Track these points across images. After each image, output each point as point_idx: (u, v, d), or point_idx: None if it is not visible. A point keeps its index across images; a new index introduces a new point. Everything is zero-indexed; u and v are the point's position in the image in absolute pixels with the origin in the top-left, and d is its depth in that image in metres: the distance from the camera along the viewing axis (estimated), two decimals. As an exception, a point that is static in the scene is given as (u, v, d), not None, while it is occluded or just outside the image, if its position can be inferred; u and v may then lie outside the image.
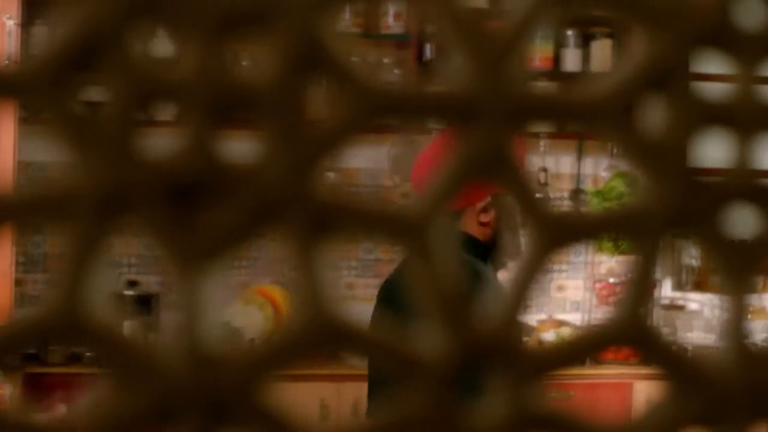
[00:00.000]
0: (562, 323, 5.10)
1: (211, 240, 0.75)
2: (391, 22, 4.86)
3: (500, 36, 0.76)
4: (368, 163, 5.21)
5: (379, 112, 0.75)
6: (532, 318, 5.25)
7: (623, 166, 5.07)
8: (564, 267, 5.33)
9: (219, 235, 0.75)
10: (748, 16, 0.80)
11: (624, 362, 4.90)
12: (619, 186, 4.77)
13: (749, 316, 0.82)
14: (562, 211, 0.77)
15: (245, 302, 4.84)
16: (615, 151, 5.18)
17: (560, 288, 5.33)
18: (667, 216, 0.78)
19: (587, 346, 0.81)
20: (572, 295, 5.30)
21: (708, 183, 0.79)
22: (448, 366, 0.76)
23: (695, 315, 5.16)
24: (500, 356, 0.77)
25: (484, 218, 3.06)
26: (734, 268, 0.80)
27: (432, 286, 0.77)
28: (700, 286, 5.40)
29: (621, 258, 5.20)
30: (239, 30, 0.75)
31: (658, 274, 5.23)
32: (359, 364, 4.69)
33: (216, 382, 0.74)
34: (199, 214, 0.75)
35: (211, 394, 0.74)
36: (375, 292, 4.04)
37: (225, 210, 0.75)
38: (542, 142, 5.00)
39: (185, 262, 0.74)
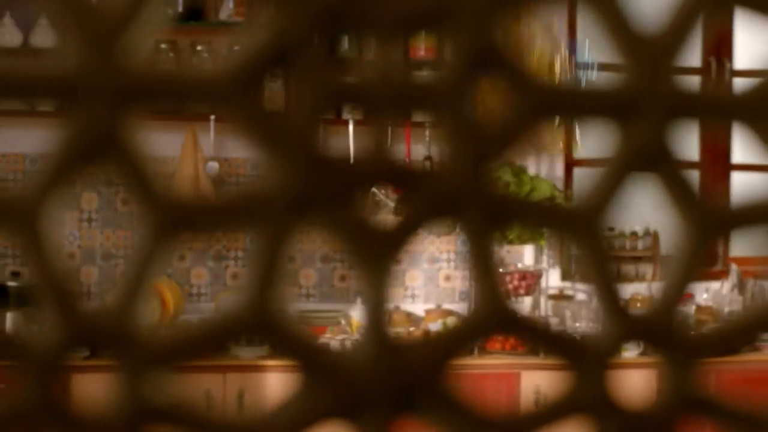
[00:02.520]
0: (449, 313, 5.08)
1: None
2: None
3: (108, 16, 0.73)
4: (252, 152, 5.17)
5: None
6: (419, 308, 5.23)
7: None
8: (452, 257, 5.31)
9: None
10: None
11: (511, 352, 4.88)
12: (505, 175, 4.75)
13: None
14: (179, 198, 0.74)
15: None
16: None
17: (448, 278, 5.31)
18: (291, 200, 0.75)
19: (215, 336, 0.78)
20: (460, 285, 5.28)
21: (337, 166, 0.76)
22: (56, 354, 0.73)
23: (583, 305, 5.16)
24: (118, 345, 0.74)
25: None
26: (371, 253, 0.77)
27: (42, 273, 0.73)
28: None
29: (509, 247, 5.20)
30: None
31: (544, 264, 5.23)
32: (245, 355, 4.66)
33: None
34: None
35: None
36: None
37: None
38: (427, 132, 4.97)
39: None
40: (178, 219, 0.74)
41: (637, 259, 5.49)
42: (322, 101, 0.75)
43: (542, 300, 5.18)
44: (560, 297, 5.19)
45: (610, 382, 0.80)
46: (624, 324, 0.81)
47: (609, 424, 0.80)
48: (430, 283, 5.31)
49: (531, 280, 5.07)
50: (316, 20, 0.75)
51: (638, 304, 5.26)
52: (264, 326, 0.76)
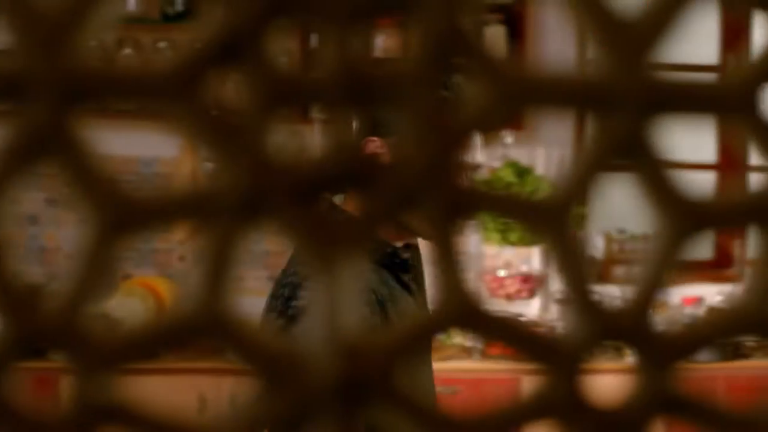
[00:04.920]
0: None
1: None
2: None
3: (54, 12, 0.70)
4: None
5: None
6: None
7: (515, 155, 5.03)
8: (457, 258, 5.27)
9: None
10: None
11: (513, 357, 4.82)
12: (508, 176, 4.72)
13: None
14: (124, 196, 0.71)
15: (126, 294, 4.77)
16: (508, 140, 5.14)
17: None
18: (239, 200, 0.72)
19: (167, 338, 0.75)
20: (465, 286, 5.23)
21: (290, 166, 0.73)
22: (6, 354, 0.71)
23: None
24: (69, 346, 0.72)
25: None
26: (326, 253, 0.74)
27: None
28: (602, 279, 5.37)
29: (515, 250, 5.17)
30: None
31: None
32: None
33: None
34: None
35: None
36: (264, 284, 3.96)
37: None
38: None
39: None
40: (123, 217, 0.71)
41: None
42: (273, 98, 0.72)
43: (551, 305, 5.15)
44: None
45: (582, 383, 0.77)
46: (596, 323, 0.78)
47: (580, 427, 0.77)
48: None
49: (533, 283, 5.03)
50: (264, 12, 0.72)
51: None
52: (216, 329, 0.73)
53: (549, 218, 0.76)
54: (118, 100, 0.72)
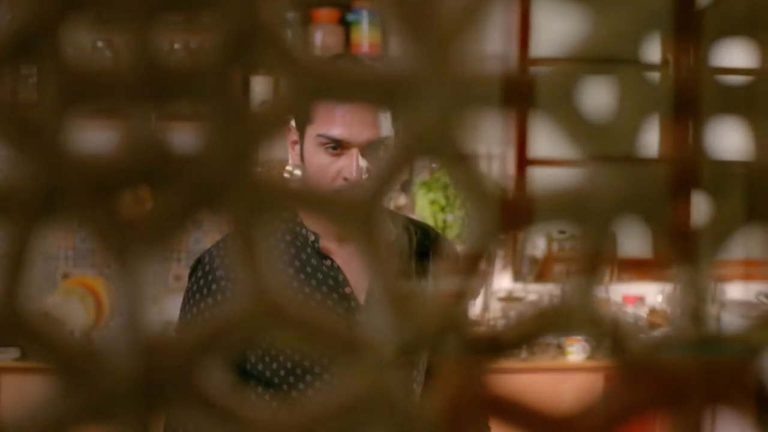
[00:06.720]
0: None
1: None
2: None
3: None
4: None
5: None
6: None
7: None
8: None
9: None
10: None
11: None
12: (445, 177, 4.71)
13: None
14: None
15: (66, 293, 4.73)
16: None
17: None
18: (35, 197, 0.71)
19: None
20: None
21: (87, 163, 0.72)
22: None
23: (532, 306, 5.12)
24: None
25: None
26: (126, 249, 0.73)
27: None
28: (541, 277, 5.37)
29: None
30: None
31: (497, 265, 5.20)
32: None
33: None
34: None
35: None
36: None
37: None
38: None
39: None
40: None
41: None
42: (69, 93, 0.71)
43: (492, 302, 5.15)
44: (509, 299, 5.16)
45: (392, 383, 0.76)
46: (405, 320, 0.77)
47: (387, 426, 0.76)
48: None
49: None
50: (61, 7, 0.71)
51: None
52: (13, 327, 0.72)
53: (355, 215, 0.75)
54: None
